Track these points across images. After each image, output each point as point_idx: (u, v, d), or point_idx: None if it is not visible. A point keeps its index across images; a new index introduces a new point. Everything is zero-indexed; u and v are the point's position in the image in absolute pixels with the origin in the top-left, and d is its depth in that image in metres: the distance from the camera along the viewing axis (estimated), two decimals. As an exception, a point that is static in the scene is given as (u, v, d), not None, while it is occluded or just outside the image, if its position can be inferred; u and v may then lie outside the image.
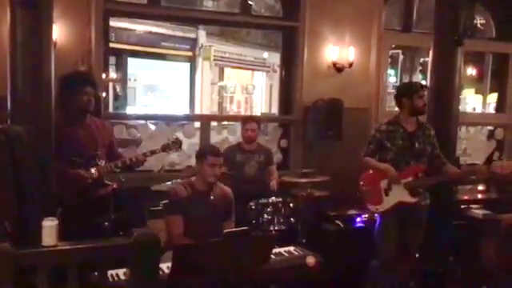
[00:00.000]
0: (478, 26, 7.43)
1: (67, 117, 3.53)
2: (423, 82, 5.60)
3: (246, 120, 4.80)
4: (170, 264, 2.60)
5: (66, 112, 3.55)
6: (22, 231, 2.63)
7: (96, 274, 2.49)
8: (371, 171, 3.96)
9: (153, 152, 3.73)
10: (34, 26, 2.96)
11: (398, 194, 3.81)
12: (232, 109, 18.42)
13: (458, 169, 4.13)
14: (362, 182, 3.99)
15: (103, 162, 3.56)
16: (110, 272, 2.69)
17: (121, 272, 2.72)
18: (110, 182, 3.65)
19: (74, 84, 3.56)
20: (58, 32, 4.28)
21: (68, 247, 2.32)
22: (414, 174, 3.82)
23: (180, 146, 3.85)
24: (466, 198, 5.53)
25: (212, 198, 3.30)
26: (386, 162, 3.85)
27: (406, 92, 3.92)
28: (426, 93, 3.92)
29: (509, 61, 6.63)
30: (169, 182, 4.15)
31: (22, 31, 2.97)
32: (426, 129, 3.94)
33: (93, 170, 3.48)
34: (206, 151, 3.45)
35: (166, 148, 3.78)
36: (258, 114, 15.60)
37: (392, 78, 12.25)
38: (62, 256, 2.29)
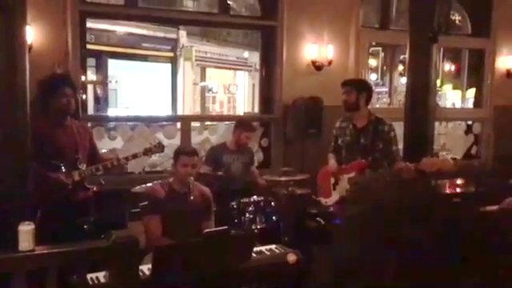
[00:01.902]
0: (457, 22, 7.56)
1: (47, 120, 3.50)
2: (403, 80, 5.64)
3: (245, 128, 4.64)
4: (150, 265, 2.59)
5: (46, 115, 3.50)
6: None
7: (75, 277, 2.48)
8: (326, 166, 4.10)
9: (134, 156, 3.68)
10: (6, 29, 2.91)
11: (343, 189, 3.89)
12: (215, 109, 18.42)
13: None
14: (318, 176, 4.14)
15: (84, 166, 3.52)
16: (89, 275, 2.67)
17: (101, 275, 2.70)
18: (90, 186, 3.62)
19: (53, 86, 3.52)
20: (33, 35, 4.24)
21: (45, 251, 2.31)
22: (357, 169, 3.83)
23: (162, 150, 3.80)
24: (445, 191, 5.61)
25: (192, 198, 3.30)
26: (341, 157, 3.99)
27: None
28: (345, 89, 3.92)
29: (485, 56, 6.75)
30: (150, 184, 4.14)
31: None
32: (380, 124, 3.89)
33: (73, 174, 3.45)
34: (179, 151, 3.46)
35: (148, 152, 3.73)
36: (241, 113, 15.61)
37: (373, 75, 12.39)
38: (40, 260, 2.28)
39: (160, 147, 3.77)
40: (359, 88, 3.94)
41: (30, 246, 2.27)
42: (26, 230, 2.27)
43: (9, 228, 2.44)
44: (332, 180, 3.97)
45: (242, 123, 4.75)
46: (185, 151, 3.44)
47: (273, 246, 3.30)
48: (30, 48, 3.77)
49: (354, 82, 4.18)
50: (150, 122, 5.39)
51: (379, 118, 3.96)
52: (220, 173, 4.39)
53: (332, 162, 4.00)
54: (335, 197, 3.96)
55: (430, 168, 3.45)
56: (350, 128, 3.94)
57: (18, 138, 2.98)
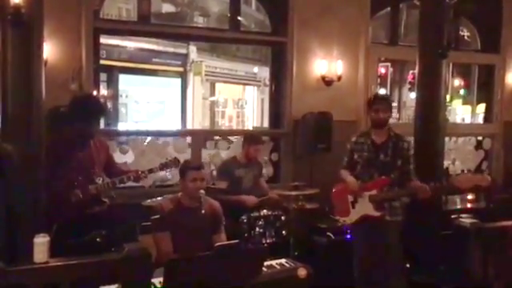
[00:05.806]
0: (466, 38, 7.58)
1: (69, 138, 3.51)
2: (412, 95, 5.64)
3: (253, 141, 4.71)
4: (161, 279, 2.61)
5: (71, 134, 3.51)
6: (13, 248, 2.64)
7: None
8: (341, 183, 3.98)
9: (151, 171, 3.74)
10: (24, 46, 2.99)
11: (363, 207, 3.80)
12: (224, 123, 18.50)
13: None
14: (332, 194, 4.04)
15: (101, 180, 3.56)
16: (101, 288, 2.69)
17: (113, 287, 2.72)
18: (106, 200, 3.63)
19: (92, 115, 3.53)
20: (49, 50, 4.32)
21: (59, 264, 2.34)
22: (379, 186, 3.77)
23: (178, 165, 3.81)
24: (456, 207, 5.60)
25: (203, 212, 3.32)
26: (355, 174, 3.88)
27: (367, 106, 3.97)
28: (381, 106, 3.79)
29: (495, 72, 6.75)
30: (160, 198, 4.17)
31: (13, 50, 3.01)
32: (400, 141, 3.81)
33: (90, 188, 3.48)
34: (186, 167, 3.48)
35: (163, 167, 3.79)
36: (250, 127, 15.66)
37: (382, 90, 12.40)
38: (54, 273, 2.31)
39: (176, 162, 3.81)
40: (391, 107, 3.91)
41: (44, 258, 2.30)
42: (41, 241, 2.30)
43: (23, 241, 2.48)
44: (350, 198, 3.87)
45: (250, 137, 4.82)
46: (192, 166, 3.47)
47: (283, 261, 3.32)
48: (46, 63, 3.84)
49: (389, 99, 4.00)
50: (160, 136, 5.43)
51: (398, 135, 3.86)
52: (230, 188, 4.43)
53: (351, 178, 3.84)
54: (354, 216, 3.86)
55: (465, 185, 3.43)
56: (369, 144, 3.83)
57: (33, 153, 3.04)
